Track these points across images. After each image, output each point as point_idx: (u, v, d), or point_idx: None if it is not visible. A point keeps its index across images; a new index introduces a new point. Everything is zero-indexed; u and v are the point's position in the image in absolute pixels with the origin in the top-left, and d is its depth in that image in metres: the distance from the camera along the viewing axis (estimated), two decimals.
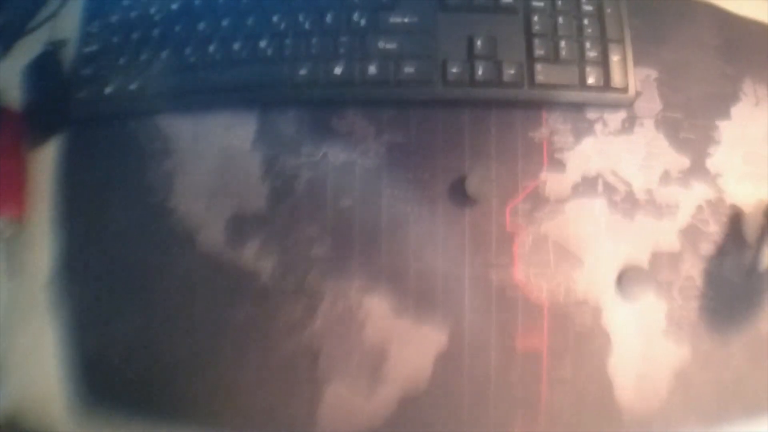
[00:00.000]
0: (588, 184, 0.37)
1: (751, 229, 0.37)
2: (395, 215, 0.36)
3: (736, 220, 0.37)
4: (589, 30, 0.37)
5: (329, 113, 0.38)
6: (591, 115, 0.38)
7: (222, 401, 0.36)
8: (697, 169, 0.38)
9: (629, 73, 0.37)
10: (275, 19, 0.38)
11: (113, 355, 0.37)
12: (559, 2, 0.38)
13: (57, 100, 0.39)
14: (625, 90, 0.37)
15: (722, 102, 0.39)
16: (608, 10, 0.38)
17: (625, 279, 0.36)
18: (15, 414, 0.37)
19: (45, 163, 0.39)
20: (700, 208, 0.37)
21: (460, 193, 0.36)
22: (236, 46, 0.37)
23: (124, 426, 0.36)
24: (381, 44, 0.37)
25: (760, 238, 0.36)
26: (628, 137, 0.38)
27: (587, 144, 0.37)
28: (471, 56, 0.37)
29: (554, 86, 0.37)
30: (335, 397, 0.35)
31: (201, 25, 0.38)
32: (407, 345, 0.35)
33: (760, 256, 0.36)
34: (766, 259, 0.36)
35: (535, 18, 0.37)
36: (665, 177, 0.37)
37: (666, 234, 0.37)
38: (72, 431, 0.36)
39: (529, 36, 0.37)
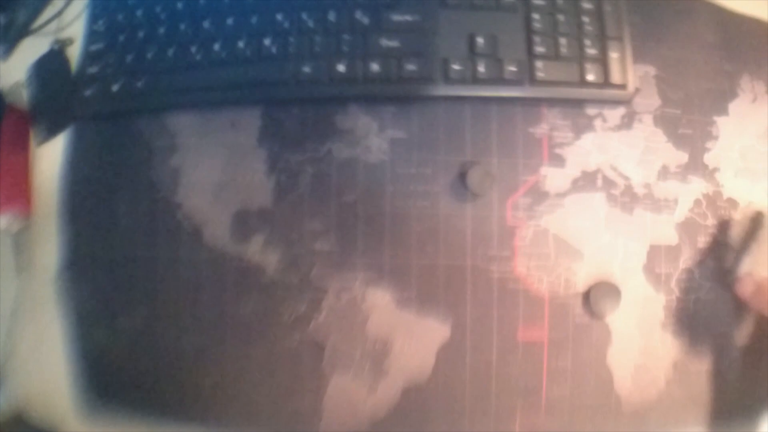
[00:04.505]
0: (587, 179, 0.37)
1: (739, 235, 0.37)
2: (398, 210, 0.37)
3: (724, 227, 0.37)
4: (589, 27, 0.38)
5: (333, 110, 0.38)
6: (590, 111, 0.38)
7: (228, 394, 0.36)
8: (695, 163, 0.38)
9: (628, 70, 0.37)
10: (279, 17, 0.38)
11: (119, 349, 0.37)
12: (559, 0, 0.38)
13: (63, 98, 0.40)
14: (624, 86, 0.37)
15: (720, 98, 0.39)
16: (607, 8, 0.38)
17: (594, 294, 0.36)
18: (21, 408, 0.37)
19: (52, 159, 0.39)
20: (698, 202, 0.37)
21: (461, 188, 0.36)
22: (241, 44, 0.38)
23: (130, 420, 0.36)
24: (383, 42, 0.37)
25: (747, 242, 0.37)
26: (627, 133, 0.38)
27: (587, 139, 0.38)
28: (472, 54, 0.37)
29: (554, 83, 0.37)
30: (340, 389, 0.36)
31: (206, 24, 0.38)
32: (410, 337, 0.36)
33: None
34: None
35: (535, 16, 0.38)
36: (664, 171, 0.38)
37: (664, 227, 0.37)
38: (78, 425, 0.37)
39: (529, 34, 0.37)
